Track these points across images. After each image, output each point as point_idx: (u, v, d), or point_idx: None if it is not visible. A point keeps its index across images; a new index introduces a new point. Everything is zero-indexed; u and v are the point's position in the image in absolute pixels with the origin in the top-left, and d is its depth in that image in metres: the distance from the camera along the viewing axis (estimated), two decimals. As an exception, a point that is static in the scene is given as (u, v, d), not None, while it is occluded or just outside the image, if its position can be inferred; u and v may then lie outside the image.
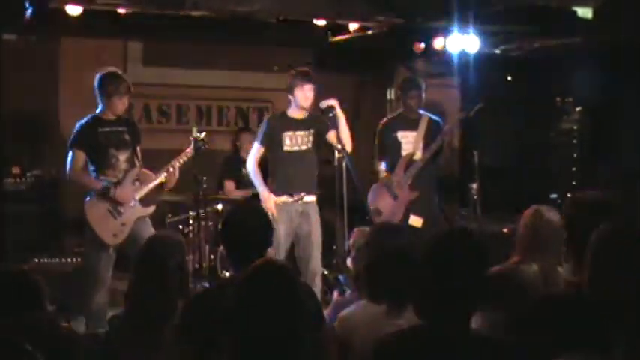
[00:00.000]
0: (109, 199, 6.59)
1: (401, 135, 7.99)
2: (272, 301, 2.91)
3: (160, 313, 4.10)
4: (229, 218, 4.26)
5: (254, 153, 7.30)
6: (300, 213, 7.12)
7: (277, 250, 6.76)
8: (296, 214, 7.10)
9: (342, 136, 7.09)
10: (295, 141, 7.17)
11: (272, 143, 7.23)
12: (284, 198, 7.07)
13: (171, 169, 6.78)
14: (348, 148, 7.10)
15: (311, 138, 7.22)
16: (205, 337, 3.61)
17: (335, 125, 7.08)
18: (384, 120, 8.26)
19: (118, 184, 6.65)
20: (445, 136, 7.91)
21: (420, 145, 7.91)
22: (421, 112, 8.08)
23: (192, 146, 6.79)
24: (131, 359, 4.09)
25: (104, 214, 6.60)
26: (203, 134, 6.87)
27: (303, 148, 7.21)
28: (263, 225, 4.15)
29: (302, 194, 7.10)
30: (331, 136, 7.18)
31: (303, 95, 7.10)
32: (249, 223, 4.10)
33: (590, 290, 2.61)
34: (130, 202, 6.66)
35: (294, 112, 7.22)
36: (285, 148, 7.18)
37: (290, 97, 7.18)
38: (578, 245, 3.08)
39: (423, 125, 7.96)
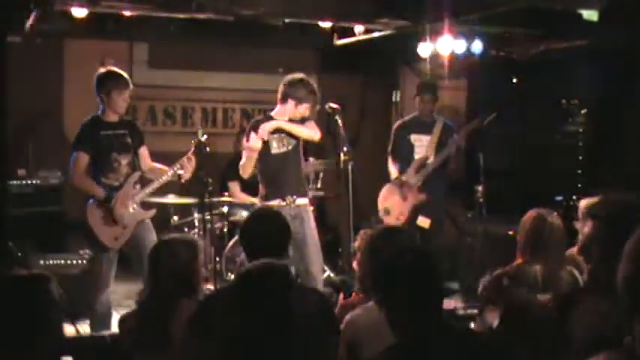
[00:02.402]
0: (109, 207, 6.59)
1: (414, 137, 8.09)
2: (262, 303, 2.93)
3: (157, 314, 4.14)
4: (249, 223, 4.30)
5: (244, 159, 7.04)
6: (294, 217, 6.78)
7: None
8: (289, 218, 6.82)
9: (340, 140, 6.98)
10: (281, 142, 7.00)
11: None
12: (276, 202, 6.84)
13: (173, 170, 6.76)
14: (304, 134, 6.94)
15: (292, 139, 6.99)
16: (213, 338, 3.62)
17: (338, 129, 7.05)
18: (400, 121, 8.39)
19: (119, 187, 6.65)
20: (456, 144, 7.93)
21: (434, 149, 7.97)
22: (436, 115, 8.14)
23: (192, 149, 6.75)
24: (140, 358, 4.13)
25: (105, 218, 6.59)
26: (204, 137, 6.77)
27: (290, 148, 6.99)
28: (282, 229, 4.19)
29: (294, 197, 6.90)
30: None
31: (302, 113, 6.93)
32: (269, 228, 4.15)
33: (625, 291, 2.59)
34: (128, 212, 6.65)
35: (278, 116, 7.01)
36: (273, 151, 6.97)
37: (291, 102, 6.93)
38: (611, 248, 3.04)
39: (437, 129, 8.03)
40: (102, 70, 6.76)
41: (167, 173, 6.78)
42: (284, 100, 6.98)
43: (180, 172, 6.73)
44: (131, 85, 6.74)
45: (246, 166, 7.00)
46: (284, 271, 3.17)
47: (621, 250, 3.16)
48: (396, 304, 3.13)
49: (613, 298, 3.26)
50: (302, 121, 6.96)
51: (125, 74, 6.76)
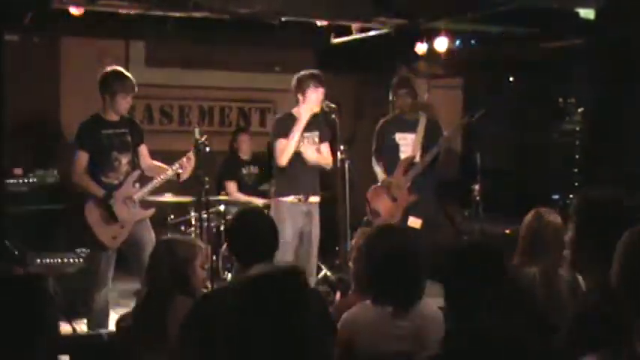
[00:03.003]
0: (108, 205, 6.58)
1: (399, 137, 7.94)
2: (276, 311, 2.88)
3: (154, 312, 4.15)
4: (236, 222, 4.28)
5: (281, 149, 7.05)
6: (306, 213, 7.07)
7: (285, 251, 6.75)
8: (301, 214, 7.05)
9: (337, 139, 7.08)
10: (303, 142, 7.09)
11: None
12: (291, 198, 7.02)
13: (172, 169, 6.75)
14: (328, 161, 7.14)
15: (316, 139, 7.13)
16: (207, 339, 3.62)
17: (335, 128, 7.06)
18: (382, 121, 8.20)
19: (119, 186, 6.65)
20: (446, 141, 7.88)
21: (419, 147, 7.87)
22: (419, 113, 8.05)
23: (192, 149, 6.75)
24: (137, 356, 4.13)
25: (104, 217, 6.59)
26: (204, 137, 6.80)
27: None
28: (269, 228, 4.17)
29: (308, 195, 7.07)
30: (323, 146, 7.20)
31: (317, 98, 7.02)
32: (256, 227, 4.12)
33: (619, 292, 2.61)
34: (127, 212, 6.64)
35: (297, 114, 7.09)
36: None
37: (300, 97, 7.07)
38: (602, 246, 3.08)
39: (421, 127, 7.90)
40: (108, 69, 6.74)
41: (166, 172, 6.78)
42: (296, 98, 7.09)
43: (180, 171, 6.74)
44: (136, 89, 6.74)
45: (288, 154, 7.01)
46: (295, 278, 3.14)
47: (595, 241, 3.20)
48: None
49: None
50: (323, 108, 7.01)
51: (131, 76, 6.75)
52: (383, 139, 8.02)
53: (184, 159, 6.72)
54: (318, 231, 7.18)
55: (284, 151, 6.99)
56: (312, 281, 7.12)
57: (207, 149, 6.73)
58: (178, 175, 6.77)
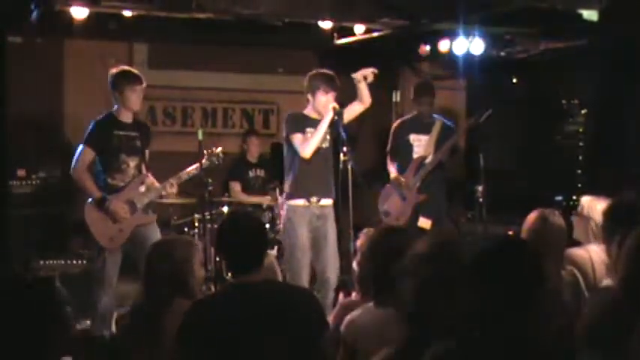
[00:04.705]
0: (104, 208, 6.57)
1: (413, 137, 8.06)
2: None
3: (150, 313, 4.14)
4: (223, 226, 4.21)
5: (301, 141, 6.87)
6: (318, 216, 6.91)
7: (302, 255, 6.76)
8: (314, 216, 6.88)
9: (340, 140, 6.96)
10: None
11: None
12: (302, 202, 6.89)
13: (171, 183, 6.77)
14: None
15: (328, 137, 6.94)
16: (201, 343, 3.62)
17: (337, 129, 7.02)
18: (399, 121, 8.37)
19: (123, 188, 6.64)
20: (452, 143, 7.92)
21: (432, 149, 7.96)
22: (435, 116, 8.13)
23: (204, 160, 6.77)
24: (135, 357, 4.14)
25: (103, 218, 6.55)
26: (219, 149, 6.84)
27: (324, 145, 6.95)
28: (257, 230, 4.12)
29: (319, 198, 6.92)
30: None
31: (326, 102, 6.86)
32: (243, 229, 4.05)
33: (622, 292, 2.61)
34: (128, 215, 6.64)
35: (312, 113, 6.98)
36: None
37: (310, 97, 6.96)
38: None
39: (435, 129, 8.01)
40: (114, 69, 6.77)
41: (160, 188, 6.82)
42: (305, 97, 7.00)
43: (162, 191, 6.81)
44: (144, 83, 6.74)
45: (311, 147, 6.86)
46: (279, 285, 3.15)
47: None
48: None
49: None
50: (335, 109, 6.84)
51: (137, 71, 6.78)
52: (398, 138, 8.09)
53: (193, 169, 6.78)
54: (333, 234, 6.96)
55: (304, 143, 6.82)
56: (333, 284, 6.86)
57: (219, 161, 6.81)
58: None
